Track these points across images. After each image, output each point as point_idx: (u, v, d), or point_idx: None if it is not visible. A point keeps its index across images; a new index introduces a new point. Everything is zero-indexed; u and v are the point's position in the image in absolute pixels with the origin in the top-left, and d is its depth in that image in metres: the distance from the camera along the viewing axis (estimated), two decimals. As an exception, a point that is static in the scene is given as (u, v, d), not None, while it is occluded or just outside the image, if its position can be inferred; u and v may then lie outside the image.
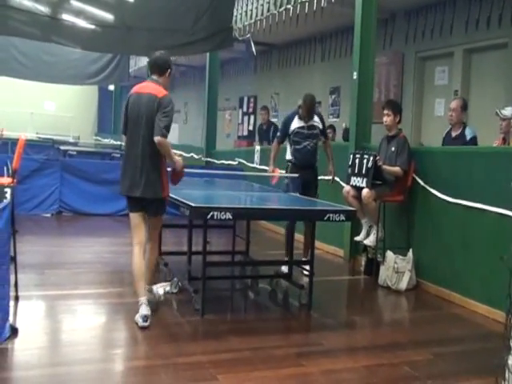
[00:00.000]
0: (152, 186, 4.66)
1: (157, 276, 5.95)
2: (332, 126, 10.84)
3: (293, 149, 6.81)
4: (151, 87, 4.76)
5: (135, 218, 4.79)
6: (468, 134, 6.49)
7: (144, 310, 4.52)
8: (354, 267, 6.96)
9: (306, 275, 5.69)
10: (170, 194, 4.94)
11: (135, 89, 4.85)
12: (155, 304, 4.91)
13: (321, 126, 6.80)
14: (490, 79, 8.69)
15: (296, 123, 6.72)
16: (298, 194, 6.40)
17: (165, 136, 4.61)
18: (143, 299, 4.59)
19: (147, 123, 4.63)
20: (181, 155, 5.17)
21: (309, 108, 6.62)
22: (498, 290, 5.09)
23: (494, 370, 3.44)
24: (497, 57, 8.62)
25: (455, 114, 6.58)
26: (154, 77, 4.85)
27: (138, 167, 4.65)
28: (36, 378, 3.59)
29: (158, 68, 4.84)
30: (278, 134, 7.03)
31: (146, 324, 4.45)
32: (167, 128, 4.64)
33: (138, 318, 4.49)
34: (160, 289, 5.42)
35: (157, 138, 4.57)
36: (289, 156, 6.85)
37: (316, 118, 6.75)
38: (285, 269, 6.23)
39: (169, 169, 4.91)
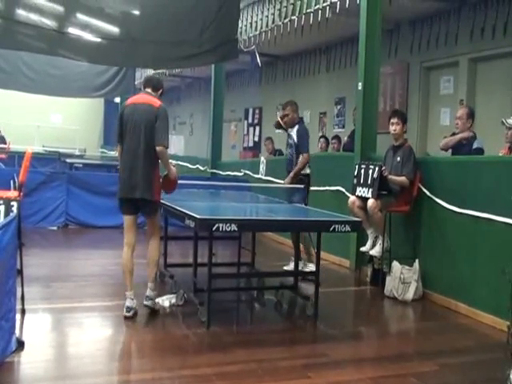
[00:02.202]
0: (146, 189, 4.98)
1: (162, 288, 5.98)
2: (337, 137, 10.84)
3: None
4: (146, 98, 5.13)
5: (127, 220, 5.13)
6: (475, 144, 6.51)
7: (128, 302, 4.98)
8: (359, 278, 6.94)
9: (311, 280, 5.64)
10: (175, 206, 5.18)
11: (130, 100, 5.20)
12: (154, 301, 5.16)
13: (295, 140, 7.08)
14: (495, 88, 8.68)
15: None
16: (303, 205, 6.41)
17: (166, 146, 5.01)
18: (127, 293, 5.01)
19: (145, 131, 4.96)
20: (175, 165, 5.44)
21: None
22: (505, 301, 5.07)
23: (499, 382, 3.42)
24: (502, 66, 8.61)
25: (461, 122, 6.66)
26: (148, 90, 5.21)
27: (133, 172, 4.98)
28: (42, 391, 3.60)
29: (153, 84, 5.25)
30: None
31: (128, 314, 4.93)
32: (167, 138, 5.02)
33: (124, 309, 4.97)
34: (166, 301, 5.42)
35: (160, 148, 4.96)
36: None
37: (294, 131, 7.11)
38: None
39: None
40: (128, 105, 5.13)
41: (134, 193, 4.98)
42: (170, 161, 5.26)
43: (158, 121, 4.97)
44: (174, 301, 5.43)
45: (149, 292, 5.12)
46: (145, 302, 5.08)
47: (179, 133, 21.54)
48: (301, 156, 7.02)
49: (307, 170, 7.13)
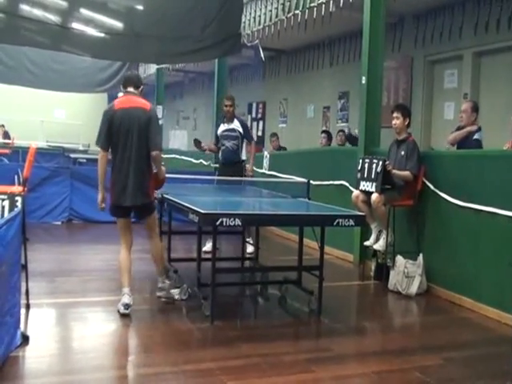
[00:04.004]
0: (141, 195, 5.01)
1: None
2: (343, 131, 10.84)
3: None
4: (135, 100, 5.07)
5: (122, 223, 5.14)
6: (475, 135, 6.53)
7: (126, 299, 4.92)
8: (363, 272, 6.94)
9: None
10: (179, 201, 5.18)
11: (118, 104, 5.07)
12: (168, 291, 5.35)
13: (241, 131, 7.96)
14: (499, 82, 8.66)
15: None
16: None
17: (161, 149, 5.10)
18: (126, 290, 4.97)
19: (138, 136, 4.95)
20: (164, 164, 5.43)
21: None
22: (510, 294, 5.08)
23: (504, 376, 3.42)
24: (506, 59, 8.59)
25: (465, 115, 6.70)
26: (131, 89, 5.14)
27: (128, 178, 4.96)
28: (47, 385, 3.61)
29: (134, 83, 5.18)
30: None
31: (126, 311, 4.86)
32: (161, 140, 5.18)
33: (120, 306, 4.89)
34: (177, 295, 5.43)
35: (156, 153, 4.98)
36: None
37: (237, 124, 7.97)
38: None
39: None
40: (118, 109, 4.99)
41: (131, 200, 4.97)
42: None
43: (151, 125, 4.97)
44: (177, 296, 5.42)
45: (161, 284, 5.36)
46: (158, 294, 5.35)
47: (183, 127, 21.53)
48: (251, 145, 8.19)
49: (244, 157, 8.11)
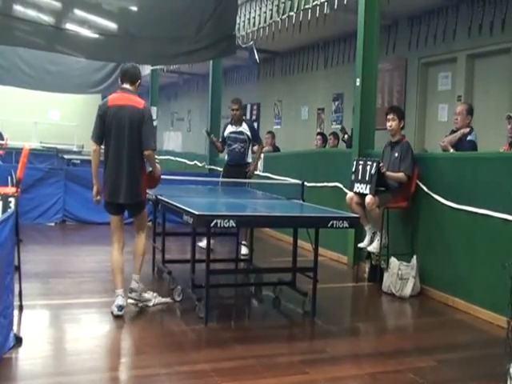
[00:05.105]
0: (133, 192, 5.02)
1: (160, 284, 5.99)
2: (335, 133, 10.84)
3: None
4: (129, 98, 5.03)
5: (115, 220, 5.15)
6: (469, 137, 6.54)
7: (119, 300, 4.91)
8: (357, 274, 6.94)
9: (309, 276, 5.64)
10: (174, 202, 5.17)
11: (112, 101, 5.04)
12: (140, 294, 5.20)
13: (249, 134, 8.13)
14: (493, 84, 8.68)
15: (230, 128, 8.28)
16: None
17: (154, 149, 5.05)
18: (119, 291, 4.96)
19: (130, 134, 4.94)
20: (159, 162, 5.41)
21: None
22: (503, 296, 5.07)
23: (497, 377, 3.43)
24: (500, 62, 8.61)
25: (460, 117, 6.69)
26: (126, 86, 5.10)
27: (120, 175, 4.96)
28: (40, 387, 3.59)
29: (130, 77, 5.12)
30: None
31: (120, 313, 4.86)
32: (155, 139, 5.11)
33: (114, 308, 4.89)
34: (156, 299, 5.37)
35: (148, 152, 4.99)
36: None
37: (245, 126, 8.16)
38: None
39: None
40: (111, 106, 4.98)
41: (124, 198, 4.98)
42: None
43: (144, 124, 4.94)
44: (150, 303, 5.29)
45: (133, 284, 5.14)
46: (129, 295, 5.11)
47: (177, 129, 21.51)
48: (259, 146, 8.50)
49: (250, 159, 8.31)
